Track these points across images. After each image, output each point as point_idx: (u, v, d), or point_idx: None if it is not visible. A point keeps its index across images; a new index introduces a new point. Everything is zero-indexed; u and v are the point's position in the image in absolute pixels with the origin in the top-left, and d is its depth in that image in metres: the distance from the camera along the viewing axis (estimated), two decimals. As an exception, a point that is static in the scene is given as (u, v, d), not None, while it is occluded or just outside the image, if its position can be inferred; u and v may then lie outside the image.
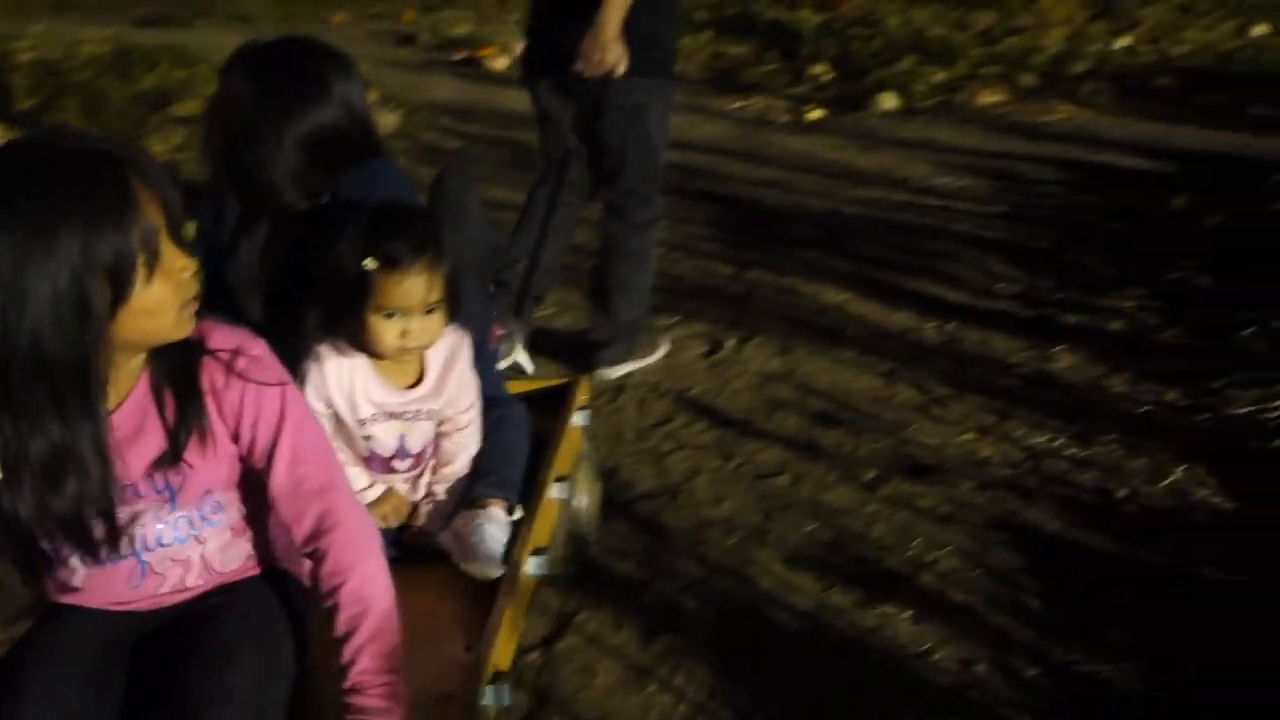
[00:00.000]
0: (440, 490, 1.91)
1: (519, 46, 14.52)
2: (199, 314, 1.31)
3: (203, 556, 1.43)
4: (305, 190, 1.85)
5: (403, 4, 28.00)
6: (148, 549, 1.38)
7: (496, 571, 1.72)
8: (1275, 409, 3.11)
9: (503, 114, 9.98)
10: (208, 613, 1.40)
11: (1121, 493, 2.75)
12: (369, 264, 1.68)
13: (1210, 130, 8.40)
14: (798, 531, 2.60)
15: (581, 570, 2.41)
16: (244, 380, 1.35)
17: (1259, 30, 16.27)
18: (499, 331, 2.90)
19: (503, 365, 2.88)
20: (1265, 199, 5.03)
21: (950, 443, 3.03)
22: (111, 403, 1.28)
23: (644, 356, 3.53)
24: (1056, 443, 3.01)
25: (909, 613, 2.26)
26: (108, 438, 1.24)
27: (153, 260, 1.19)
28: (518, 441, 2.02)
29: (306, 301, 1.77)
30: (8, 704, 1.25)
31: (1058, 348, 3.67)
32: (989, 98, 9.82)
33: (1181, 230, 4.85)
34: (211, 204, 1.93)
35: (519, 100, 10.69)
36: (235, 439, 1.38)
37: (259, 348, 1.40)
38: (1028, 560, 2.46)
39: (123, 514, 1.31)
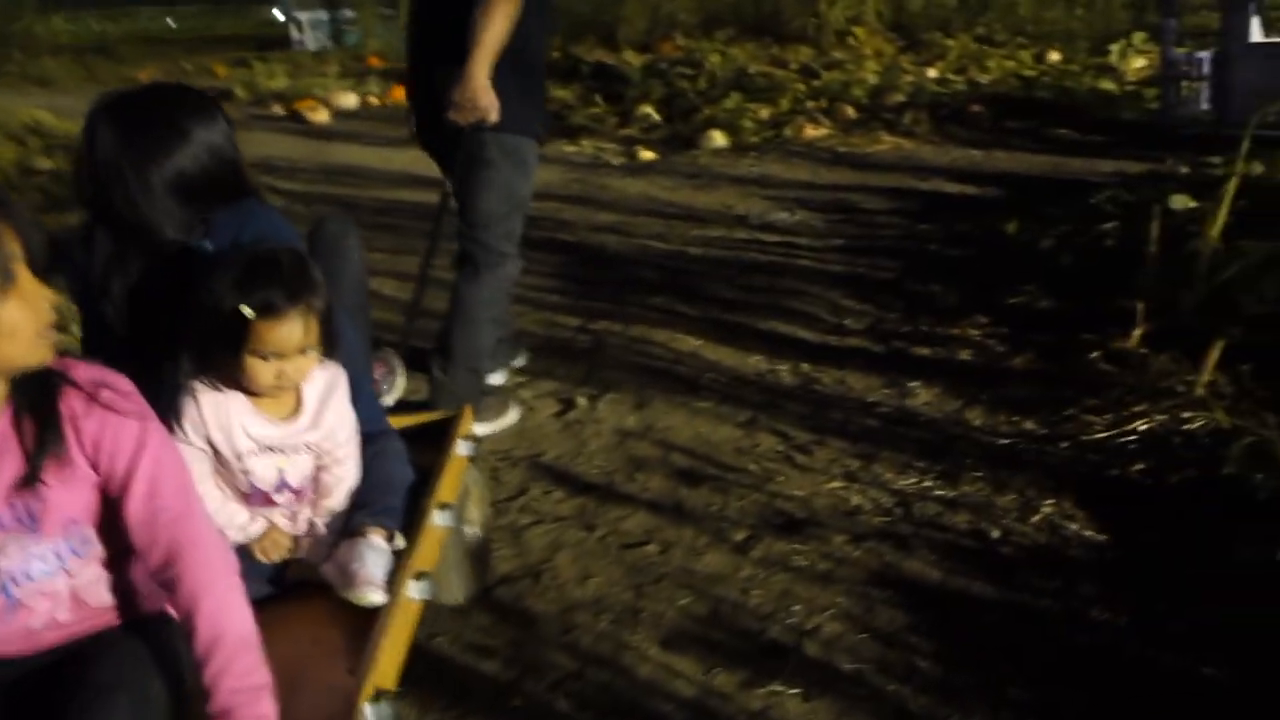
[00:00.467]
0: (321, 523, 1.92)
1: (340, 98, 14.09)
2: (69, 354, 1.36)
3: (72, 590, 1.42)
4: (178, 227, 1.88)
5: (212, 60, 27.05)
6: (15, 582, 1.37)
7: (378, 597, 1.72)
8: (1130, 433, 3.11)
9: (331, 168, 9.63)
10: (81, 658, 1.38)
11: (995, 533, 2.67)
12: (246, 312, 1.70)
13: (1024, 154, 8.75)
14: (672, 607, 2.42)
15: (438, 675, 2.18)
16: (105, 410, 1.37)
17: (1053, 57, 17.25)
18: (380, 369, 2.95)
19: (389, 401, 2.86)
20: (1089, 220, 5.17)
21: (819, 492, 2.92)
22: None
23: (493, 420, 3.36)
24: (924, 484, 2.93)
25: (798, 690, 2.11)
26: None
27: (6, 283, 1.23)
28: (396, 472, 2.03)
29: (181, 340, 1.79)
30: None
31: (913, 383, 3.63)
32: (814, 132, 10.00)
33: (1017, 255, 4.93)
34: (84, 245, 1.93)
35: (346, 153, 10.39)
36: (94, 467, 1.39)
37: (123, 383, 1.42)
38: (913, 616, 2.34)
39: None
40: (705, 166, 8.60)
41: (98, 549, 1.44)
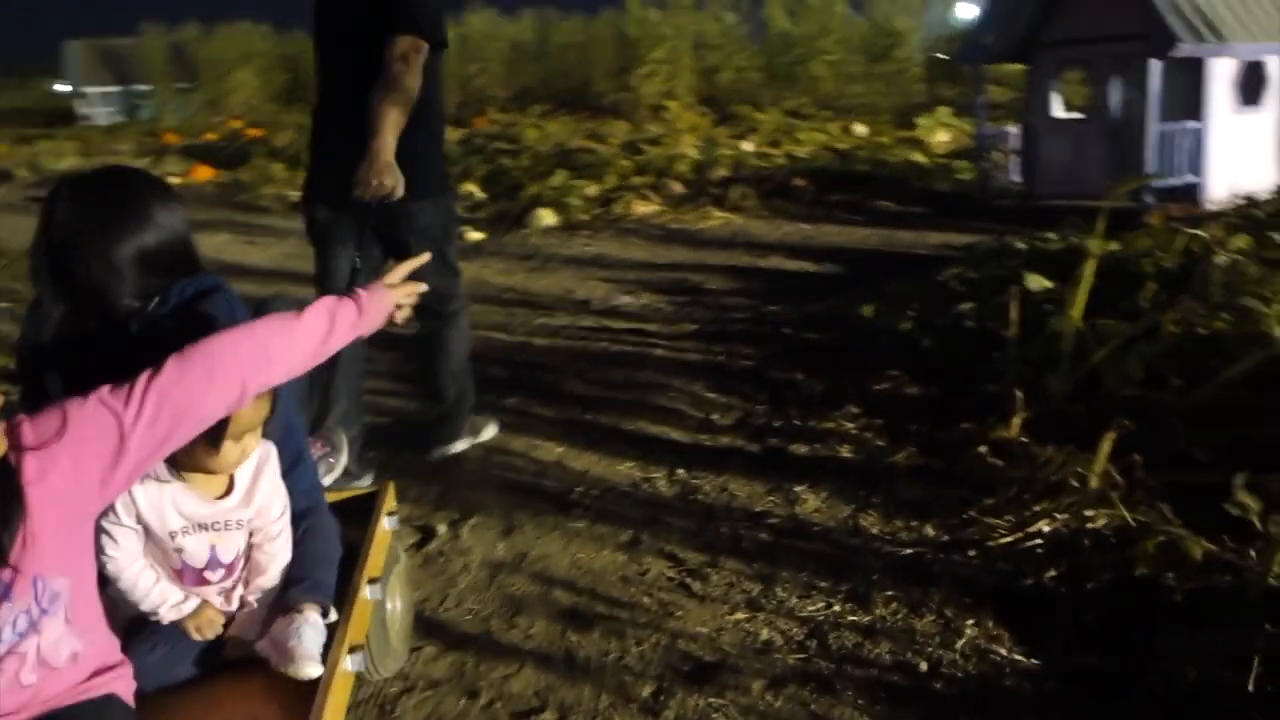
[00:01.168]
0: (253, 600, 1.91)
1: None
2: (12, 411, 1.37)
3: (38, 649, 1.41)
4: (135, 296, 1.91)
5: (-9, 136, 25.19)
6: None
7: (316, 671, 1.73)
8: (1035, 535, 2.96)
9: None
10: None
11: (922, 665, 2.43)
12: None
13: (851, 227, 8.87)
14: (581, 791, 2.06)
15: None
16: (65, 444, 1.39)
17: (859, 129, 17.92)
18: (320, 447, 2.90)
19: (328, 479, 2.78)
20: (941, 299, 5.14)
21: (723, 626, 2.62)
22: None
23: (475, 433, 3.84)
24: (834, 609, 2.68)
25: None
26: None
27: None
28: (328, 548, 2.06)
29: None
30: None
31: (799, 487, 3.40)
32: (644, 208, 9.91)
33: (874, 338, 4.83)
34: (35, 313, 1.94)
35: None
36: (62, 504, 1.40)
37: (72, 407, 1.43)
38: (854, 779, 2.06)
39: None
40: (537, 247, 8.34)
41: (65, 604, 1.43)
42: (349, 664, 1.83)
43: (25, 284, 6.99)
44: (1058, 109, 9.25)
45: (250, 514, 1.87)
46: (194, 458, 1.75)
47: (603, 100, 24.37)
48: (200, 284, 2.00)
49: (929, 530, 3.07)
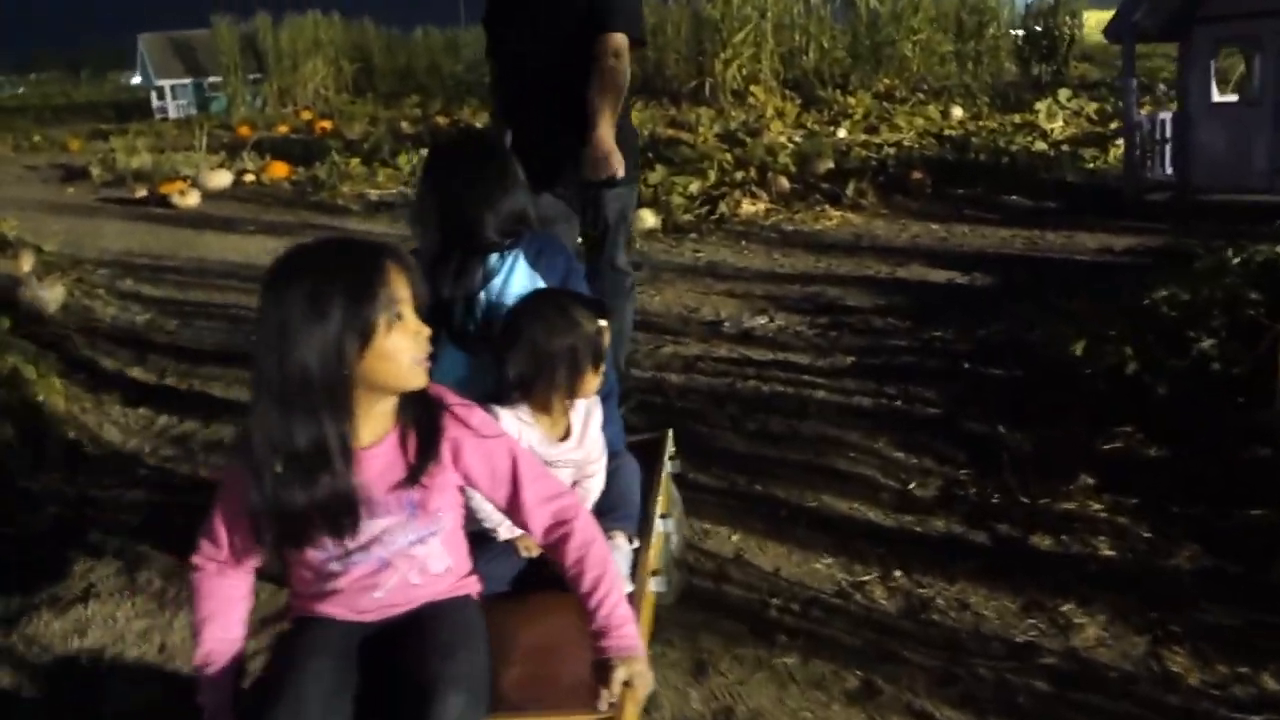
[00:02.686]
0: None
1: (212, 177, 12.71)
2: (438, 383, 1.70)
3: (424, 557, 1.71)
4: (500, 233, 2.34)
5: (68, 131, 25.20)
6: (387, 548, 1.67)
7: (628, 588, 1.91)
8: None
9: (206, 266, 8.26)
10: (423, 620, 1.69)
11: None
12: (605, 326, 2.17)
13: (985, 226, 8.01)
14: None
15: None
16: (479, 438, 1.70)
17: (957, 113, 16.92)
18: None
19: None
20: (1157, 327, 4.33)
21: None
22: (365, 442, 1.62)
23: None
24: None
25: None
26: (351, 449, 1.57)
27: (395, 320, 1.55)
28: (633, 485, 2.33)
29: (505, 370, 2.10)
30: (287, 689, 1.56)
31: (1063, 605, 2.64)
32: (751, 207, 9.13)
33: (1086, 380, 4.02)
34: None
35: (222, 245, 9.06)
36: (468, 478, 1.72)
37: (478, 410, 1.75)
38: None
39: (376, 526, 1.64)
40: (643, 253, 7.61)
41: (445, 528, 1.73)
42: (653, 585, 2.14)
43: (83, 315, 6.36)
44: (1215, 92, 8.30)
45: (581, 455, 2.14)
46: (564, 391, 2.09)
47: (679, 86, 23.50)
48: (545, 237, 2.51)
49: (1269, 681, 2.30)
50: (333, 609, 1.70)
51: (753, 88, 19.98)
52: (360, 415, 1.58)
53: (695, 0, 23.94)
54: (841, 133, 14.44)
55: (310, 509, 1.55)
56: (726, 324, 5.50)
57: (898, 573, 2.85)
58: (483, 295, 2.30)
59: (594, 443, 2.17)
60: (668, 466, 2.57)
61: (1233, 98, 8.54)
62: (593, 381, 2.10)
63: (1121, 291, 5.26)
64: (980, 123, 15.35)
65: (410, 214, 2.70)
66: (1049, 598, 2.67)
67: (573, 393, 2.07)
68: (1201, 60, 8.20)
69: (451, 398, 1.71)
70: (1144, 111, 9.03)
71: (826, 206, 8.94)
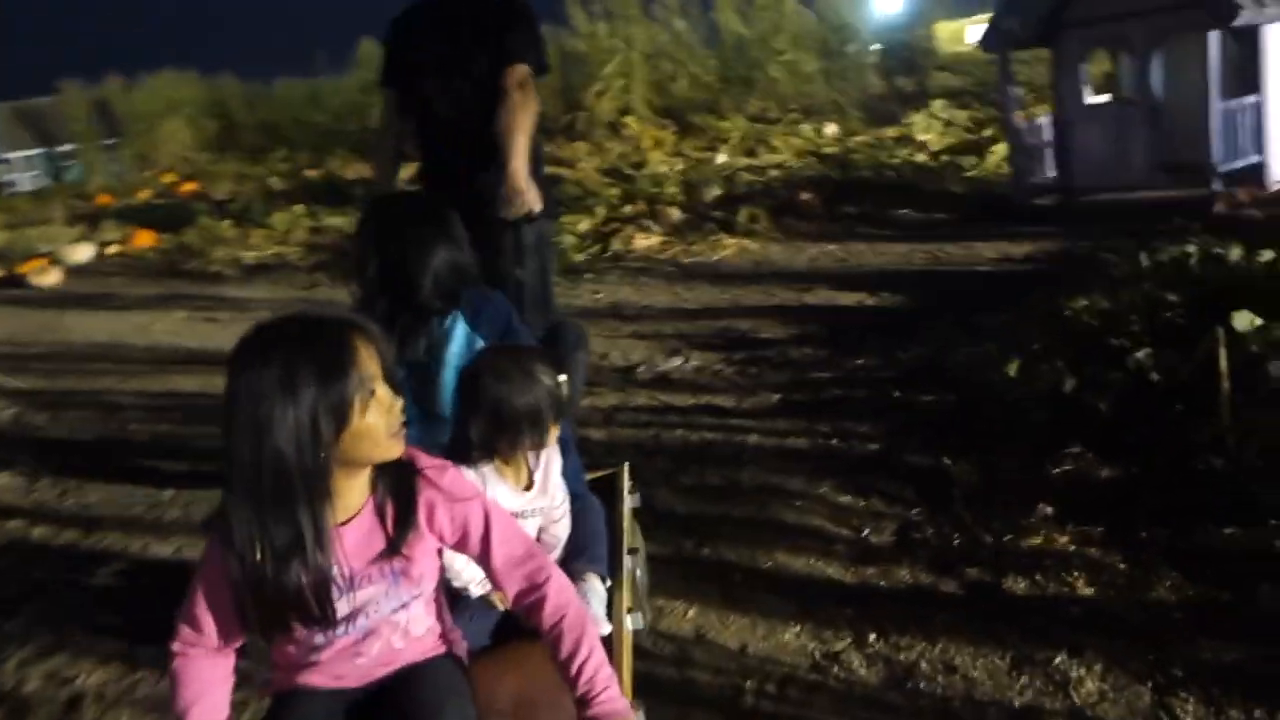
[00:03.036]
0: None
1: (73, 252, 11.99)
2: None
3: (407, 622, 1.70)
4: (440, 295, 2.39)
5: (-93, 214, 23.68)
6: (370, 617, 1.66)
7: (606, 629, 1.98)
8: None
9: (75, 349, 7.71)
10: (407, 681, 1.70)
11: None
12: (564, 384, 2.13)
13: (882, 243, 7.97)
14: None
15: None
16: (452, 500, 1.68)
17: (831, 129, 17.12)
18: None
19: None
20: (1083, 340, 4.25)
21: None
22: (342, 517, 1.60)
23: None
24: None
25: None
26: (329, 536, 1.54)
27: (368, 398, 1.52)
28: (598, 525, 2.32)
29: (464, 428, 2.07)
30: None
31: (1055, 656, 2.47)
32: (645, 241, 8.96)
33: (1022, 401, 3.91)
34: (363, 307, 2.37)
35: (88, 325, 8.51)
36: (440, 537, 1.69)
37: (450, 469, 1.72)
38: None
39: (359, 597, 1.63)
40: (542, 299, 7.32)
41: (425, 591, 1.72)
42: (630, 623, 2.09)
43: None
44: (1089, 95, 8.44)
45: (546, 502, 2.13)
46: (520, 446, 2.06)
47: (551, 123, 23.37)
48: (483, 294, 2.53)
49: (1286, 724, 2.15)
50: (314, 679, 1.70)
51: (626, 118, 19.93)
52: (338, 493, 1.57)
53: (560, 35, 23.88)
54: (721, 157, 14.44)
55: (288, 595, 1.53)
56: (640, 368, 5.28)
57: (872, 636, 2.64)
58: (426, 359, 2.37)
59: (556, 488, 2.18)
60: (628, 501, 2.56)
61: (1105, 98, 8.70)
62: (554, 433, 2.11)
63: (1031, 301, 5.23)
64: (856, 138, 15.54)
65: (349, 275, 2.68)
66: (1037, 650, 2.50)
67: (536, 446, 2.08)
68: (1072, 63, 8.35)
69: (424, 460, 1.69)
70: (1022, 117, 9.15)
71: (721, 235, 8.82)
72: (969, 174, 10.70)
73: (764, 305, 6.40)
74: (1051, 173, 8.61)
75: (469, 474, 1.96)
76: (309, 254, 10.66)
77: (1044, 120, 8.62)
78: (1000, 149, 11.33)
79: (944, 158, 11.44)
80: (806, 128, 17.09)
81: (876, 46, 23.74)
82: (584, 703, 1.61)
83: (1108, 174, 8.26)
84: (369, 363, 1.52)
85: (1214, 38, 7.16)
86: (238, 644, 1.67)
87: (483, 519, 1.68)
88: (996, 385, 4.06)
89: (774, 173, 11.48)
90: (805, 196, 9.73)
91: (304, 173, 20.69)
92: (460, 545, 1.70)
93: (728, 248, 8.51)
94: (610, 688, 1.62)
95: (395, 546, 1.62)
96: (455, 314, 2.42)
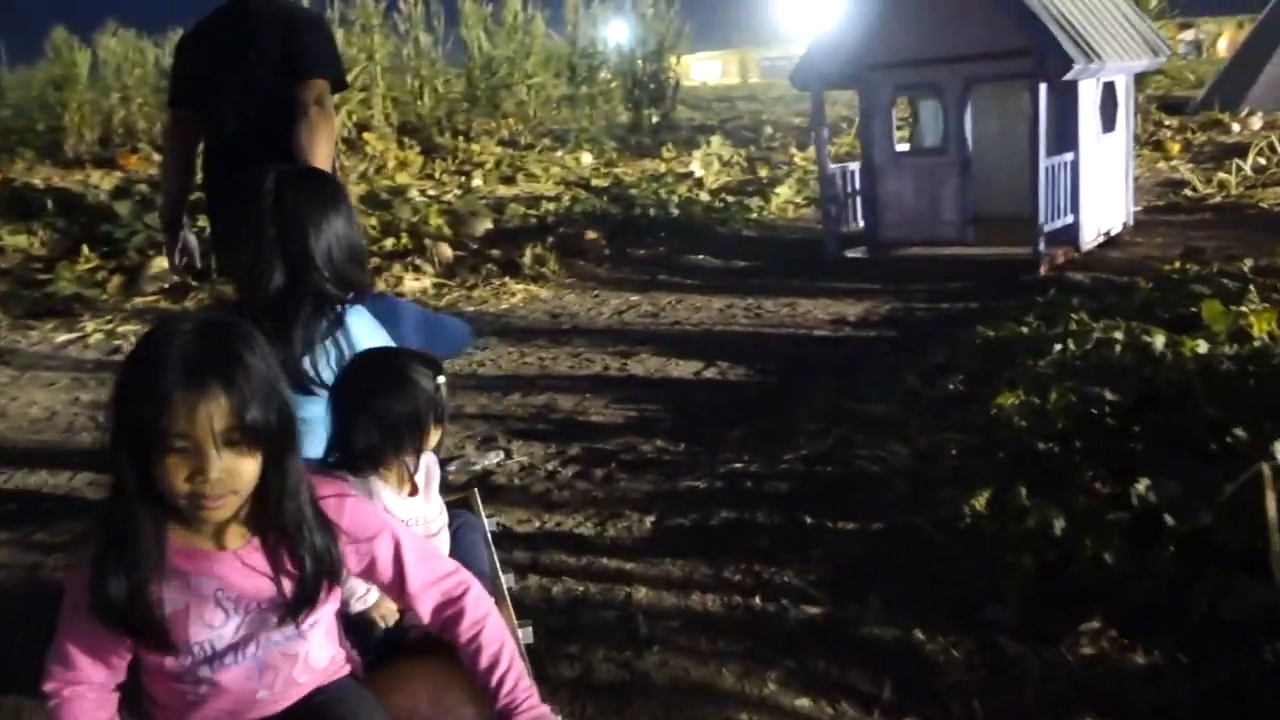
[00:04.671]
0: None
1: None
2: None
3: (307, 652, 1.61)
4: (336, 276, 2.19)
5: None
6: (262, 647, 1.55)
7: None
8: None
9: None
10: (319, 710, 1.60)
11: None
12: (442, 386, 2.02)
13: (690, 295, 7.10)
14: None
15: None
16: (355, 542, 1.59)
17: (588, 159, 16.35)
18: None
19: None
20: (1029, 454, 3.47)
21: None
22: (222, 543, 1.51)
23: None
24: None
25: None
26: (160, 558, 1.45)
27: (165, 452, 1.41)
28: (477, 541, 2.29)
29: (349, 431, 1.95)
30: None
31: None
32: (415, 283, 7.69)
33: (977, 534, 3.04)
34: (250, 283, 2.22)
35: None
36: (346, 573, 1.61)
37: (351, 496, 1.65)
38: None
39: (243, 627, 1.53)
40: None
41: (327, 622, 1.64)
42: (523, 636, 2.05)
43: None
44: (897, 142, 7.96)
45: (429, 510, 2.06)
46: (410, 456, 1.99)
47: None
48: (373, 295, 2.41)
49: None
50: (210, 712, 1.58)
51: (365, 135, 18.32)
52: (200, 519, 1.47)
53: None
54: (477, 182, 13.30)
55: (125, 618, 1.45)
56: (451, 467, 4.09)
57: None
58: (330, 345, 2.16)
59: (436, 498, 2.12)
60: (487, 525, 2.46)
61: (905, 147, 8.25)
62: (435, 436, 2.02)
63: (905, 381, 4.48)
64: (616, 169, 14.82)
65: (231, 253, 2.51)
66: None
67: (417, 452, 2.00)
68: (881, 108, 7.82)
69: (322, 488, 1.59)
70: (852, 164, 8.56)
71: (506, 279, 7.69)
72: (754, 216, 10.11)
73: (581, 375, 5.34)
74: (859, 222, 8.05)
75: (355, 484, 1.88)
76: (-18, 282, 8.61)
77: (853, 167, 8.06)
78: (784, 191, 10.88)
79: (725, 197, 10.80)
80: (567, 156, 16.21)
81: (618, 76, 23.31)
82: (507, 714, 1.60)
83: (917, 226, 7.78)
84: (186, 419, 1.37)
85: (1044, 90, 6.77)
86: (117, 679, 1.57)
87: (392, 549, 1.63)
88: (944, 514, 3.19)
89: (547, 205, 10.44)
90: (590, 236, 8.76)
91: (-22, 175, 17.79)
92: (366, 576, 1.65)
93: (515, 294, 7.39)
94: (532, 697, 1.63)
95: (296, 609, 1.54)
96: (357, 306, 2.25)
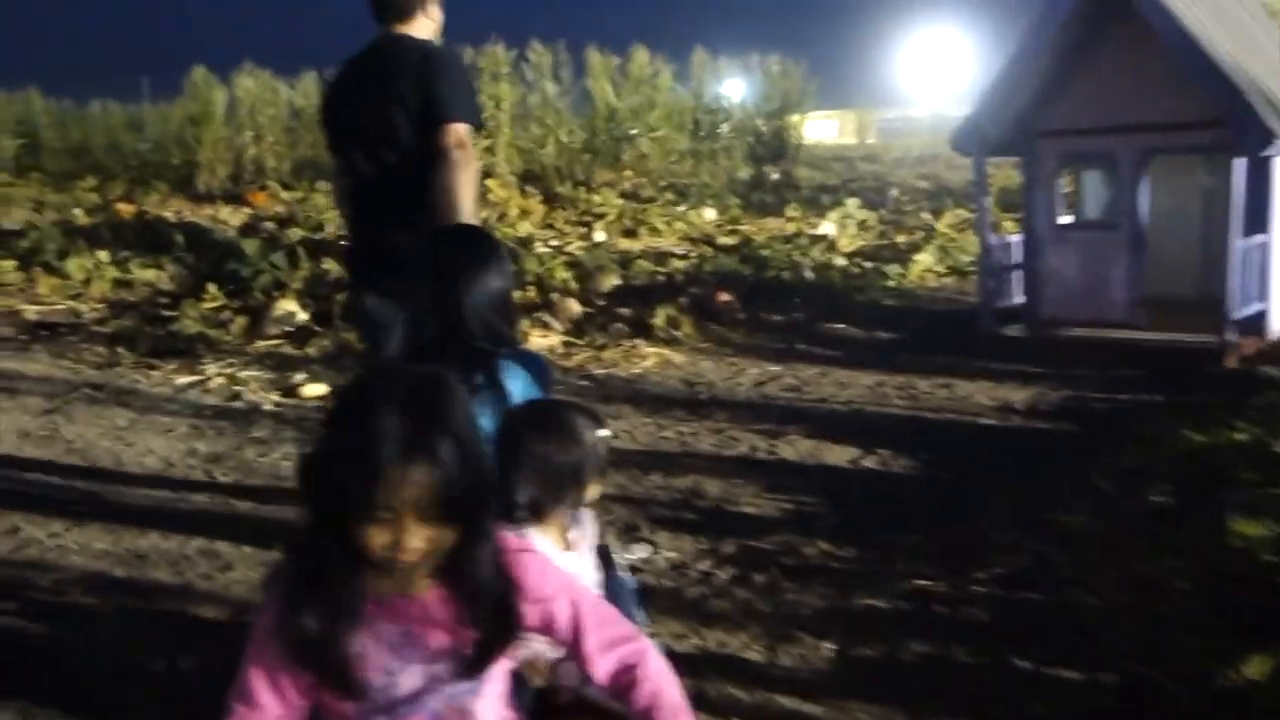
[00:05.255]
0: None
1: None
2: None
3: (479, 710, 1.53)
4: (486, 328, 2.29)
5: None
6: (440, 702, 1.50)
7: None
8: None
9: None
10: None
11: None
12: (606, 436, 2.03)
13: (837, 369, 6.62)
14: None
15: None
16: (536, 600, 1.52)
17: (711, 214, 15.99)
18: None
19: None
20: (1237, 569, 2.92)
21: None
22: (413, 590, 1.47)
23: None
24: None
25: None
26: (358, 604, 1.43)
27: (362, 520, 1.39)
28: (628, 599, 2.15)
29: (510, 482, 1.92)
30: None
31: None
32: (543, 339, 7.36)
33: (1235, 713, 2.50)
34: (408, 329, 2.44)
35: None
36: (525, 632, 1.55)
37: (533, 553, 1.60)
38: None
39: (428, 673, 1.48)
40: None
41: (502, 681, 1.59)
42: None
43: None
44: (1061, 214, 7.40)
45: (583, 567, 2.00)
46: (566, 507, 1.97)
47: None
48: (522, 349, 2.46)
49: None
50: None
51: (489, 182, 18.32)
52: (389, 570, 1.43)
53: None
54: (599, 235, 13.05)
55: (317, 659, 1.43)
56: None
57: None
58: (488, 395, 2.19)
59: (589, 555, 2.06)
60: (629, 581, 2.33)
61: (1069, 218, 7.67)
62: (594, 490, 2.00)
63: (1096, 488, 3.94)
64: (741, 226, 14.46)
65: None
66: None
67: (576, 505, 1.98)
68: (1047, 177, 7.29)
69: (506, 543, 1.54)
70: (1012, 236, 8.04)
71: (637, 341, 7.31)
72: (891, 284, 9.60)
73: (727, 455, 4.90)
74: (1019, 298, 7.49)
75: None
76: (110, 315, 8.57)
77: (1014, 239, 7.52)
78: (924, 259, 10.35)
79: (862, 263, 10.32)
80: (692, 213, 15.91)
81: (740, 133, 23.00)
82: None
83: (1081, 305, 7.19)
84: (392, 494, 1.35)
85: (1240, 165, 6.17)
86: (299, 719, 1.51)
87: (570, 610, 1.57)
88: (1191, 669, 2.65)
89: (676, 263, 10.08)
90: (723, 297, 8.36)
91: (115, 206, 18.21)
92: (543, 634, 1.58)
93: (646, 357, 7.00)
94: None
95: (477, 665, 1.50)
96: (509, 362, 2.27)
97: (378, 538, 1.37)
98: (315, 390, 6.19)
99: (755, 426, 5.32)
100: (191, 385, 6.39)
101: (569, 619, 1.55)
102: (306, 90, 25.78)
